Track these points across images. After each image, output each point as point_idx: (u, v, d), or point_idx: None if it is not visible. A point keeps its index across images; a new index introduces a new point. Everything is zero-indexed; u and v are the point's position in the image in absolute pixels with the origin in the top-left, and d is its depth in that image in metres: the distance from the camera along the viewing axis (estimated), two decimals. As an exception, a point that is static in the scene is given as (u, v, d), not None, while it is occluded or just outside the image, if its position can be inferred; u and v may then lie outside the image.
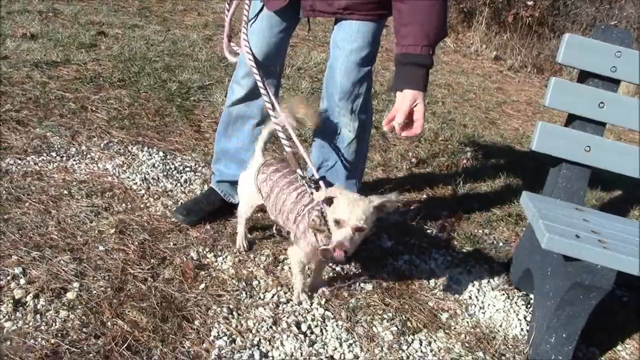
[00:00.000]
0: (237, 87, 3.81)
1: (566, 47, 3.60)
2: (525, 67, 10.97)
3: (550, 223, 3.05)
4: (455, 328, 3.52)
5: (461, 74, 9.63)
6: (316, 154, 3.87)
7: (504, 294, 3.88)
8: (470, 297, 3.83)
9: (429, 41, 3.03)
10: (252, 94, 3.74)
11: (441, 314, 3.62)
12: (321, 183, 3.21)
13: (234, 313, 3.30)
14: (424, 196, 5.02)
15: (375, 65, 3.67)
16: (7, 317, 2.98)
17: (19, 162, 4.37)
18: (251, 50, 3.59)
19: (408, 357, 3.23)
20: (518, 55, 11.15)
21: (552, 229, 2.98)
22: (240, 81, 3.78)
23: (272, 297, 3.49)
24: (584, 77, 3.68)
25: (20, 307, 3.06)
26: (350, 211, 2.92)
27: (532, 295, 3.84)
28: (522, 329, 3.60)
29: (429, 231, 4.48)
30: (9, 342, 2.83)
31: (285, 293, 3.53)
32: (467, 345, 3.40)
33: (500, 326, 3.61)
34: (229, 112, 3.91)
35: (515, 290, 3.94)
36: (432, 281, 3.91)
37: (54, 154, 4.57)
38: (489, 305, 3.77)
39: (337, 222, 2.95)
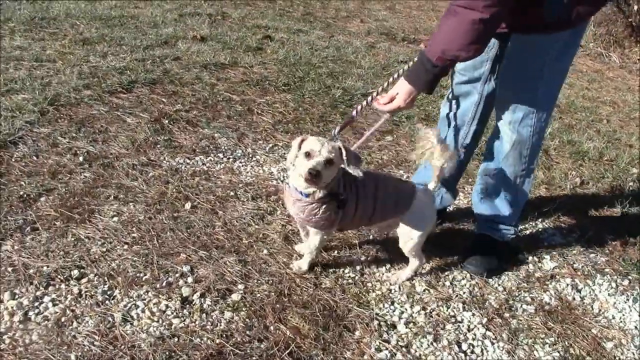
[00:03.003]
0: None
1: None
2: (697, 85, 10.42)
3: None
4: (620, 359, 3.36)
5: (627, 92, 9.24)
6: (485, 160, 3.89)
7: (675, 328, 3.66)
8: (636, 328, 3.62)
9: (441, 53, 3.02)
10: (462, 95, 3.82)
11: (605, 343, 3.45)
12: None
13: (397, 326, 3.27)
14: (588, 218, 4.83)
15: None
16: (174, 313, 3.06)
17: (188, 161, 4.49)
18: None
19: (572, 386, 3.11)
20: (690, 72, 10.61)
21: None
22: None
23: (433, 312, 3.43)
24: None
25: (187, 305, 3.13)
26: (321, 144, 3.05)
27: None
28: (696, 367, 3.38)
29: (592, 255, 4.29)
30: (176, 339, 2.90)
31: (448, 309, 3.46)
32: (634, 379, 3.23)
33: (671, 362, 3.41)
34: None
35: (688, 325, 3.71)
36: (595, 307, 3.75)
37: (221, 155, 4.68)
38: (658, 338, 3.57)
39: (307, 155, 3.04)
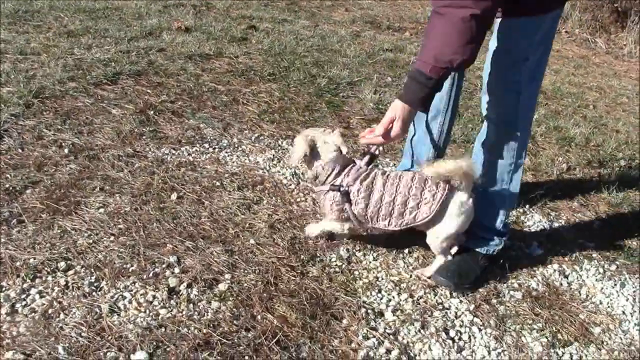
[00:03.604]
0: None
1: None
2: (685, 71, 10.44)
3: None
4: (608, 344, 3.38)
5: (613, 77, 9.28)
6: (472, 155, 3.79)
7: (662, 312, 3.69)
8: (623, 312, 3.66)
9: (434, 61, 2.83)
10: None
11: (593, 328, 3.47)
12: None
13: (384, 314, 3.29)
14: (575, 204, 4.85)
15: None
16: (161, 304, 3.07)
17: (174, 152, 4.49)
18: None
19: (559, 371, 3.13)
20: (677, 57, 10.64)
21: None
22: None
23: (420, 299, 3.45)
24: None
25: (174, 296, 3.14)
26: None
27: (692, 315, 3.63)
28: (682, 351, 3.41)
29: (580, 240, 4.32)
30: (163, 329, 2.90)
31: (435, 296, 3.49)
32: (621, 363, 3.26)
33: (658, 346, 3.43)
34: None
35: (675, 309, 3.73)
36: (583, 293, 3.77)
37: (206, 145, 4.68)
38: (644, 322, 3.60)
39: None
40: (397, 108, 3.01)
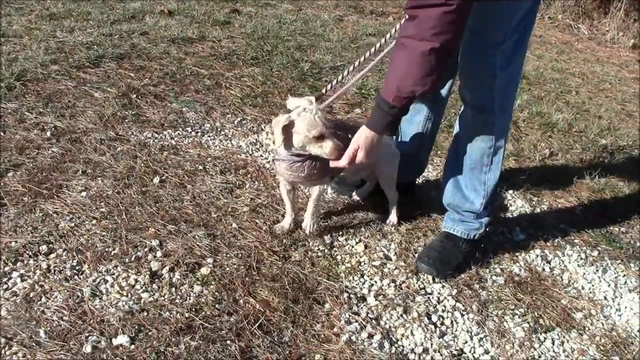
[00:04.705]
0: None
1: None
2: (666, 56, 10.47)
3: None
4: (589, 329, 3.40)
5: (596, 63, 9.31)
6: (453, 139, 3.79)
7: (643, 297, 3.71)
8: (605, 298, 3.67)
9: (397, 91, 2.88)
10: None
11: (575, 313, 3.49)
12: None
13: (366, 298, 3.30)
14: (558, 189, 4.86)
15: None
16: (144, 288, 3.07)
17: (156, 135, 4.48)
18: None
19: (540, 356, 3.14)
20: (660, 43, 10.66)
21: None
22: None
23: (402, 284, 3.45)
24: None
25: (157, 279, 3.14)
26: (322, 124, 3.15)
27: (673, 300, 3.65)
28: (662, 337, 3.43)
29: (562, 226, 4.34)
30: (145, 313, 2.90)
31: (418, 281, 3.50)
32: (602, 348, 3.26)
33: (639, 331, 3.44)
34: None
35: (655, 294, 3.76)
36: (565, 278, 3.78)
37: (189, 129, 4.67)
38: (625, 307, 3.61)
39: (321, 137, 3.16)
40: (360, 138, 3.09)
